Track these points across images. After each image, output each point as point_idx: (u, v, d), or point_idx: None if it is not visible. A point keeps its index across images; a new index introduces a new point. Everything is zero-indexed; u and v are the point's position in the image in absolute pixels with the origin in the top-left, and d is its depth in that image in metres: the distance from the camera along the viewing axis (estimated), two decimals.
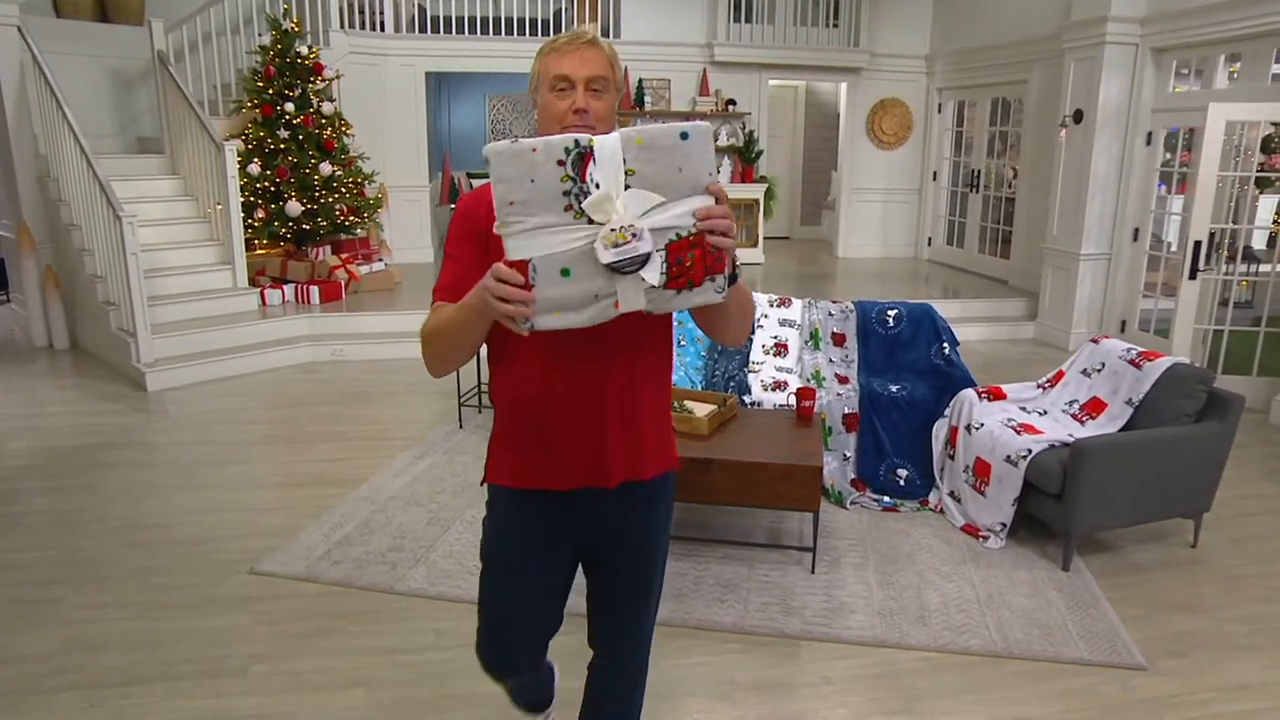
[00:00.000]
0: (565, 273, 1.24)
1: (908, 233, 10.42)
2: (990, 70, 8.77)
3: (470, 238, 1.51)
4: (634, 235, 1.22)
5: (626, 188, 1.24)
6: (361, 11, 8.58)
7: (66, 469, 4.24)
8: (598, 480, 1.57)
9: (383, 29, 8.70)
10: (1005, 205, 8.86)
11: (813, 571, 3.27)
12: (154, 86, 7.24)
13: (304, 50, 7.24)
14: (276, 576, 3.16)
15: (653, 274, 1.25)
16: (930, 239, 10.20)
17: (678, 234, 1.25)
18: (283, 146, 7.13)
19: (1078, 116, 6.83)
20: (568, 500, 1.60)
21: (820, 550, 3.38)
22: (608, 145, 1.24)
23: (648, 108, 9.33)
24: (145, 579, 3.16)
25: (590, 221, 1.23)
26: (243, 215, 6.74)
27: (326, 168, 7.17)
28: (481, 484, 1.70)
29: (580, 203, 1.23)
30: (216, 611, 2.94)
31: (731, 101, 9.59)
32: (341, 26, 8.29)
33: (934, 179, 10.07)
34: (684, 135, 1.23)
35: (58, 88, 6.10)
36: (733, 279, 1.35)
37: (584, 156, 1.23)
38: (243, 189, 6.81)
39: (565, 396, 1.52)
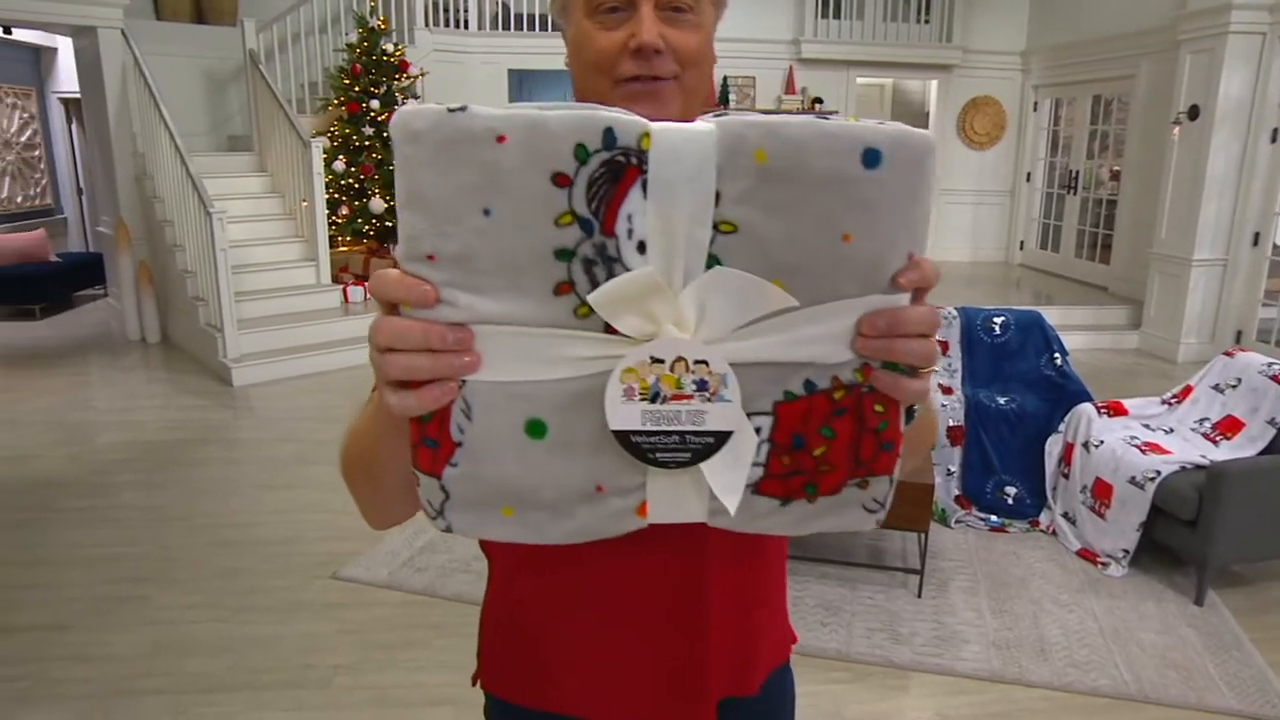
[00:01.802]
0: (535, 429, 0.58)
1: (999, 236, 10.02)
2: (1092, 66, 8.34)
3: None
4: (699, 385, 0.57)
5: (710, 264, 0.56)
6: (446, 10, 8.59)
7: (155, 464, 4.27)
8: (682, 705, 0.90)
9: (466, 27, 8.70)
10: (1106, 208, 8.42)
11: (919, 595, 3.06)
12: (245, 85, 7.34)
13: (389, 48, 7.26)
14: (360, 583, 3.09)
15: (733, 471, 0.60)
16: (1023, 242, 9.78)
17: (807, 384, 0.59)
18: (367, 144, 7.16)
19: (1193, 113, 6.41)
20: None
21: (926, 572, 3.17)
22: (682, 151, 0.54)
23: (732, 106, 9.15)
24: (231, 580, 3.12)
25: (610, 328, 0.56)
26: (327, 212, 6.78)
27: None
28: (473, 682, 1.02)
29: (589, 288, 0.56)
30: (300, 618, 2.88)
31: (818, 100, 9.34)
32: (426, 25, 8.31)
33: (1027, 180, 9.65)
34: (872, 156, 0.54)
35: (155, 88, 6.22)
36: (909, 415, 0.72)
37: (620, 170, 0.54)
38: (327, 186, 6.85)
39: (631, 574, 0.85)
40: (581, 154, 0.53)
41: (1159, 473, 3.17)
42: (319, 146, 6.49)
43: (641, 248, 0.55)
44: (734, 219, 0.55)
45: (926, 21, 9.41)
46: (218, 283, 5.58)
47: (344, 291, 6.78)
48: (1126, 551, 3.26)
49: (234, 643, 2.73)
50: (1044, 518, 3.66)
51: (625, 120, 0.53)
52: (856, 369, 0.59)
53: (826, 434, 0.60)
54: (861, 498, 0.64)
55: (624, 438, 0.57)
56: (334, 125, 7.28)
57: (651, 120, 0.55)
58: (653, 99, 0.81)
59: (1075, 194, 8.84)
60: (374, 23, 7.24)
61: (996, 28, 9.50)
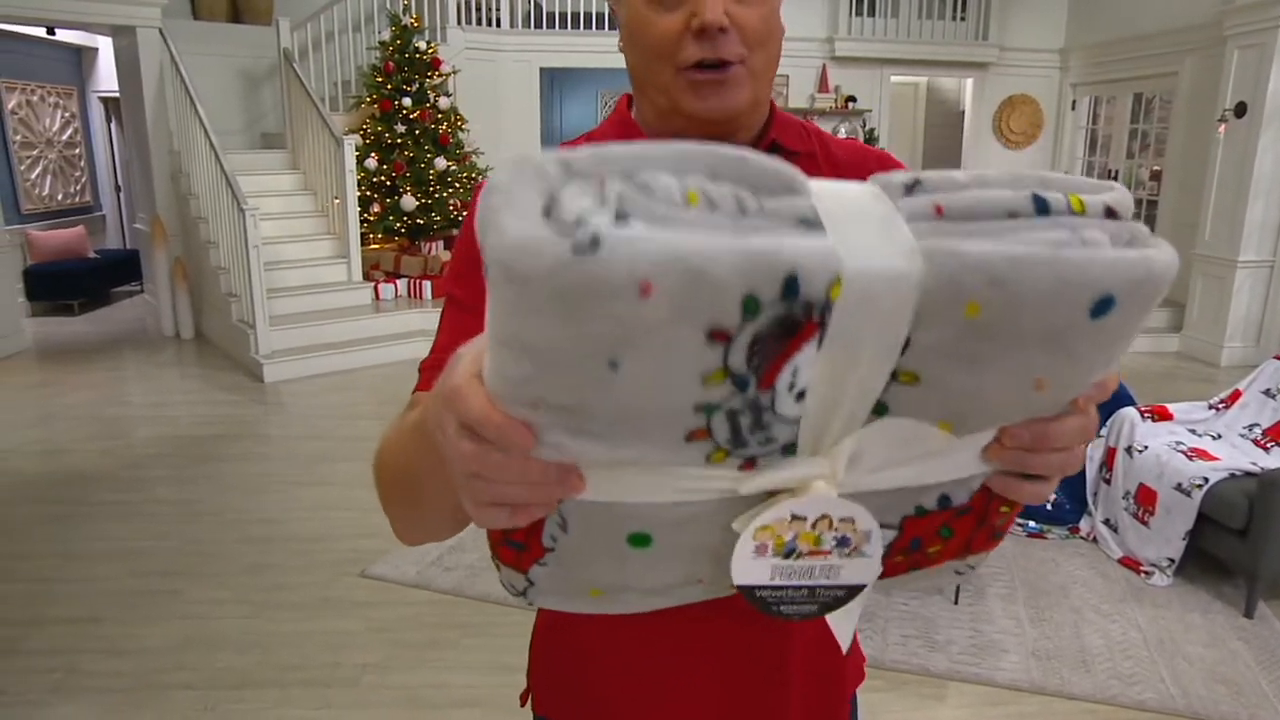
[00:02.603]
0: (638, 541, 0.51)
1: None
2: (1133, 63, 8.16)
3: (481, 266, 0.70)
4: (840, 542, 0.51)
5: (877, 410, 0.47)
6: (479, 8, 8.60)
7: (187, 459, 4.29)
8: None
9: (498, 25, 8.70)
10: (1146, 208, 8.24)
11: (955, 602, 2.99)
12: (279, 84, 7.40)
13: (422, 46, 7.28)
14: (388, 581, 3.07)
15: (851, 611, 0.63)
16: None
17: (942, 500, 0.54)
18: (399, 141, 7.18)
19: (1240, 110, 6.25)
20: None
21: (963, 578, 3.09)
22: (878, 303, 0.41)
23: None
24: (260, 576, 3.12)
25: (746, 464, 0.47)
26: (359, 209, 6.81)
27: (441, 162, 7.19)
28: (522, 702, 0.99)
29: (729, 435, 0.45)
30: (328, 615, 2.87)
31: (851, 98, 9.24)
32: (459, 23, 8.32)
33: None
34: (1103, 304, 0.42)
35: (192, 87, 6.28)
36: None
37: (796, 328, 0.40)
38: (359, 183, 6.88)
39: (705, 605, 0.71)
40: (751, 307, 0.38)
41: (1207, 479, 3.07)
42: (351, 144, 6.52)
43: (800, 396, 0.44)
44: (918, 371, 0.45)
45: (962, 19, 9.28)
46: (250, 279, 5.62)
47: (375, 289, 6.81)
48: (1172, 560, 3.16)
49: (262, 639, 2.72)
50: (1084, 524, 3.56)
51: (813, 260, 0.38)
52: (987, 480, 0.54)
53: (945, 534, 0.57)
54: (956, 566, 0.62)
55: (749, 591, 0.51)
56: (366, 123, 7.31)
57: (730, 111, 0.68)
58: (719, 89, 0.75)
59: None
60: (407, 21, 7.26)
61: (1033, 25, 9.33)
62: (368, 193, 7.15)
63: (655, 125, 0.82)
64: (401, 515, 0.70)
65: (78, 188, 9.24)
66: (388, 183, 7.18)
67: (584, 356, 0.39)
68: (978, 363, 0.44)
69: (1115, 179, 8.58)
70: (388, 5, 7.75)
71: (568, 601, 0.58)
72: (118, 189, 9.86)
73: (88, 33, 8.29)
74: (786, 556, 0.50)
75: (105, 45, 8.17)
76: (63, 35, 8.71)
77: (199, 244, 6.66)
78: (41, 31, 8.30)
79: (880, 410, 0.47)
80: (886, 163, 0.87)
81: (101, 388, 5.53)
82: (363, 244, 6.98)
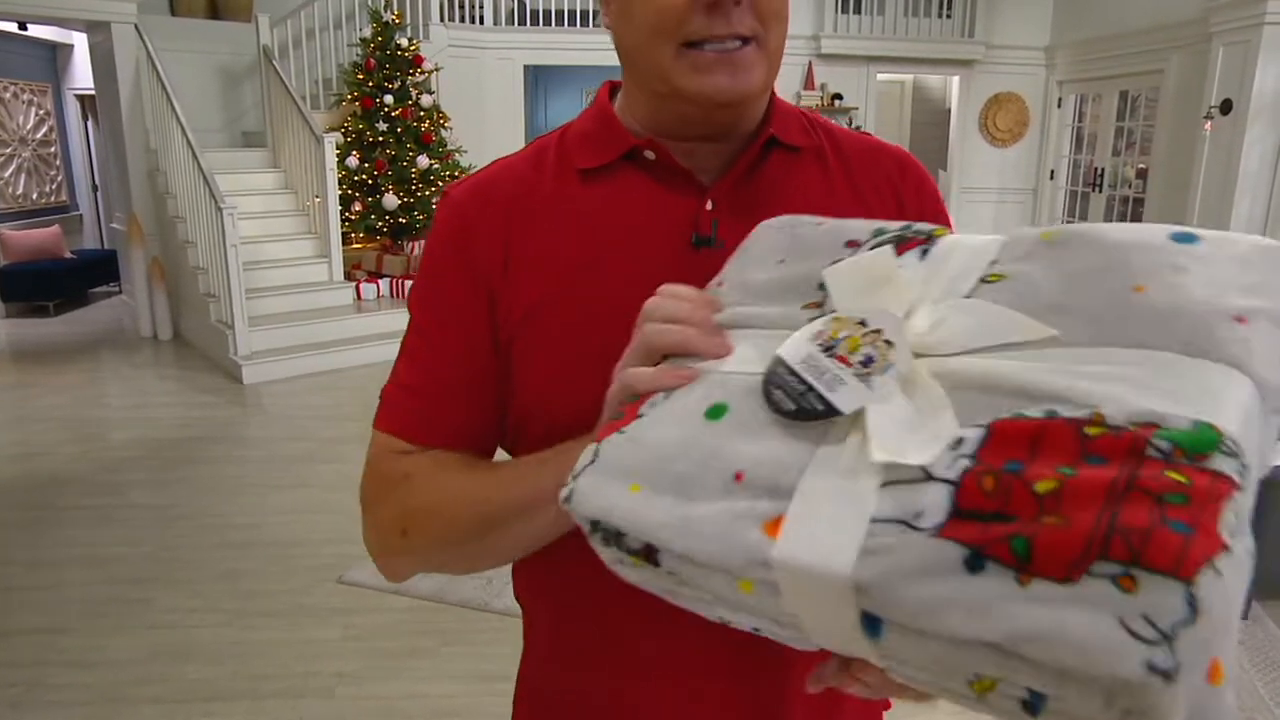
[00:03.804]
0: (715, 412, 0.53)
1: None
2: (1119, 61, 8.15)
3: (462, 279, 0.73)
4: (865, 361, 0.49)
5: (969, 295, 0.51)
6: (461, 5, 8.52)
7: (163, 462, 4.20)
8: None
9: (481, 22, 8.62)
10: (1131, 206, 8.24)
11: None
12: (258, 81, 7.29)
13: (404, 43, 7.19)
14: (365, 588, 2.99)
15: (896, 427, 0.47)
16: None
17: (1049, 412, 0.42)
18: (381, 139, 7.09)
19: (1225, 107, 6.25)
20: None
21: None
22: (970, 239, 0.55)
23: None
24: (235, 583, 3.04)
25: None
26: (340, 208, 6.71)
27: (424, 161, 7.11)
28: None
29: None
30: (304, 623, 2.79)
31: (838, 96, 9.21)
32: (441, 19, 8.23)
33: (1051, 178, 9.47)
34: (1184, 235, 0.48)
35: (168, 83, 6.17)
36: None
37: (907, 240, 0.56)
38: (341, 182, 6.79)
39: (696, 651, 0.73)
40: (878, 232, 0.58)
41: None
42: (332, 142, 6.43)
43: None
44: (1003, 271, 0.51)
45: (948, 16, 9.26)
46: (229, 279, 5.52)
47: (357, 289, 6.71)
48: None
49: (235, 648, 2.64)
50: None
51: (923, 226, 0.59)
52: (1135, 421, 0.40)
53: (1064, 471, 0.40)
54: (1119, 604, 0.36)
55: (774, 364, 0.52)
56: (347, 121, 7.21)
57: (741, 93, 0.67)
58: (729, 68, 0.66)
59: (1100, 192, 8.66)
60: (388, 17, 7.16)
61: (1020, 22, 9.33)
62: (349, 191, 7.05)
63: (645, 115, 0.74)
64: (470, 552, 0.72)
65: (53, 186, 9.11)
66: (369, 181, 7.09)
67: (771, 252, 0.63)
68: (1062, 263, 0.49)
69: (1101, 177, 8.60)
70: (369, 2, 7.65)
71: (606, 488, 0.53)
72: (94, 188, 9.72)
73: (62, 28, 8.15)
74: (826, 350, 0.51)
75: (80, 41, 8.04)
76: (36, 31, 8.57)
77: (177, 244, 6.55)
78: (14, 27, 8.16)
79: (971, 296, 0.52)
80: (904, 161, 0.81)
81: (77, 390, 5.42)
82: (344, 243, 6.88)
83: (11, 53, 8.44)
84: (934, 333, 0.49)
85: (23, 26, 8.29)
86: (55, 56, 9.22)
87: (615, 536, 0.52)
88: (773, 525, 0.46)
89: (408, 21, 7.71)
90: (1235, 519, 0.37)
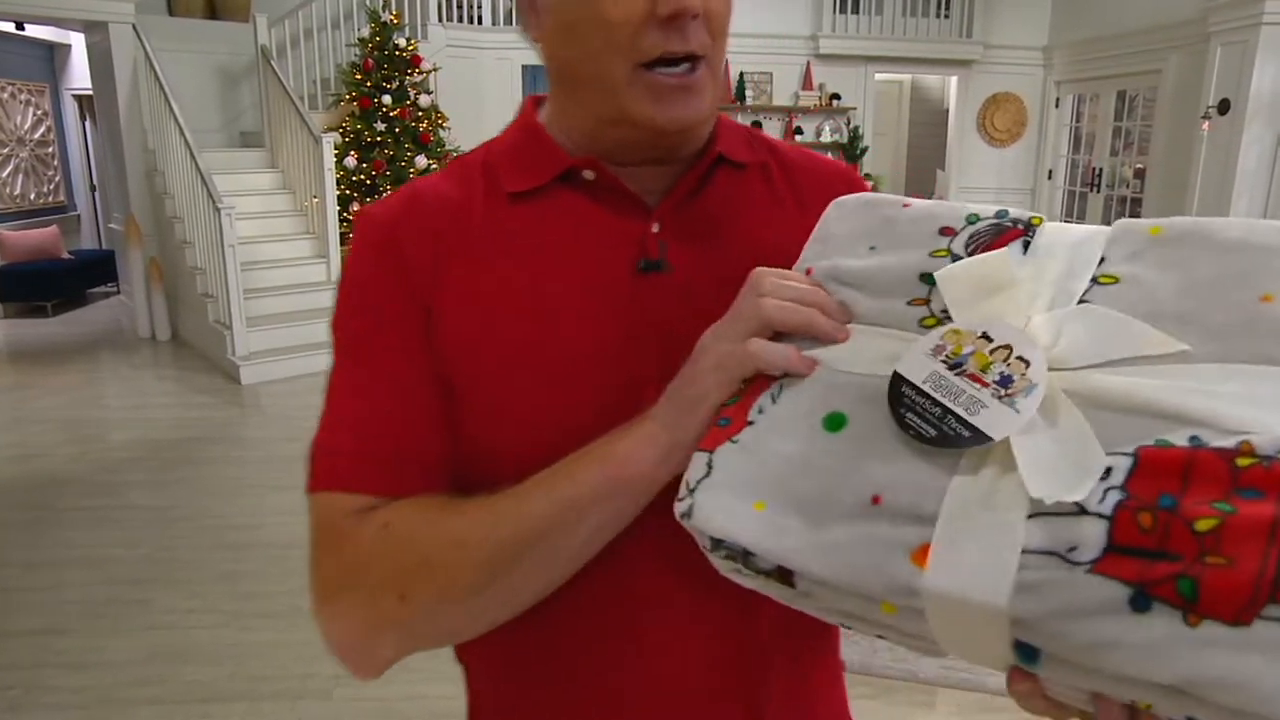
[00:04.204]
0: (833, 422, 0.52)
1: None
2: (1117, 61, 8.16)
3: (398, 296, 0.65)
4: (1002, 380, 0.47)
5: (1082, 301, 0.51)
6: (459, 5, 8.52)
7: (161, 463, 4.19)
8: None
9: (480, 22, 8.62)
10: (1129, 206, 8.24)
11: None
12: (256, 81, 7.29)
13: (402, 43, 7.18)
14: None
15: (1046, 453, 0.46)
16: None
17: (1193, 439, 0.42)
18: (379, 139, 7.08)
19: (1223, 107, 6.25)
20: None
21: None
22: (1071, 229, 0.55)
23: (749, 102, 9.03)
24: (233, 584, 3.04)
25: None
26: (338, 208, 6.71)
27: (422, 161, 7.10)
28: None
29: (942, 304, 0.54)
30: (303, 624, 2.79)
31: (836, 96, 9.21)
32: (440, 19, 8.23)
33: (1049, 178, 9.48)
34: None
35: (166, 83, 6.17)
36: None
37: (1003, 230, 0.55)
38: (339, 182, 6.78)
39: (655, 679, 0.66)
40: (973, 218, 0.57)
41: None
42: (330, 142, 6.43)
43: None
44: (1117, 273, 0.50)
45: (946, 16, 9.27)
46: (227, 280, 5.52)
47: None
48: None
49: (233, 649, 2.64)
50: None
51: (1018, 212, 0.57)
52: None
53: (1222, 507, 0.39)
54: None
55: (897, 383, 0.50)
56: (345, 121, 7.20)
57: (696, 120, 0.63)
58: (685, 94, 0.62)
59: (1098, 192, 8.67)
60: (386, 17, 7.16)
61: (1018, 23, 9.34)
62: (347, 191, 7.04)
63: (583, 135, 0.68)
64: (478, 606, 0.61)
65: (51, 187, 9.10)
66: (367, 181, 7.08)
67: (861, 236, 0.61)
68: (1177, 265, 0.48)
69: (1099, 177, 8.60)
70: (367, 2, 7.64)
71: (729, 506, 0.51)
72: (92, 188, 9.71)
73: (59, 28, 8.14)
74: (952, 368, 0.49)
75: (78, 41, 8.03)
76: (34, 31, 8.56)
77: (175, 244, 6.55)
78: (11, 27, 8.15)
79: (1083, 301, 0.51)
80: (852, 182, 0.77)
81: (75, 390, 5.42)
82: (342, 243, 6.87)
83: (9, 52, 8.43)
84: (1058, 345, 0.48)
85: (20, 26, 8.28)
86: (53, 56, 9.21)
87: (742, 555, 0.51)
88: (920, 554, 0.45)
89: (406, 21, 7.71)
90: None
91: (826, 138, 9.22)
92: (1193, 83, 6.87)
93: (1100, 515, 0.41)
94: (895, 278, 0.56)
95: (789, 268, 0.63)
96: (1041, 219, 0.56)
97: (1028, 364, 0.47)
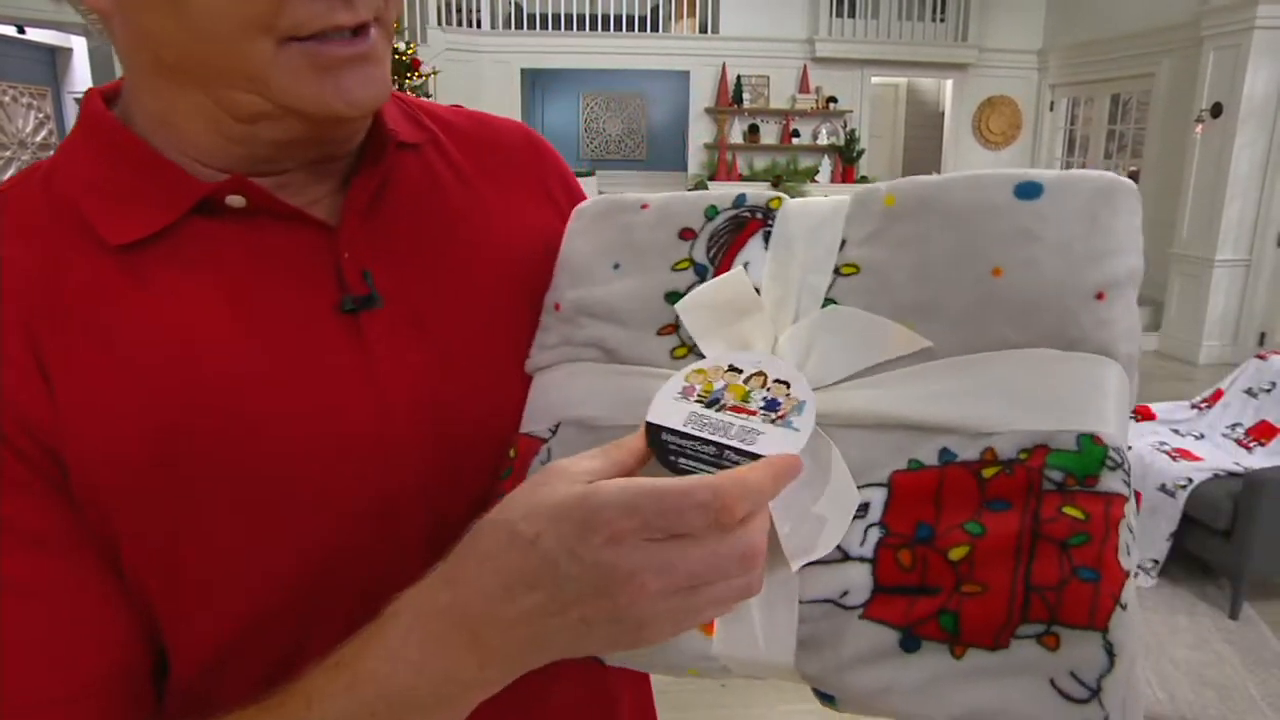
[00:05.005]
0: None
1: None
2: (1111, 64, 8.22)
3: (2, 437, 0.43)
4: (768, 405, 0.45)
5: (826, 303, 0.49)
6: (459, 9, 8.55)
7: None
8: None
9: (479, 26, 8.66)
10: None
11: None
12: None
13: (401, 46, 7.21)
14: None
15: (814, 537, 0.45)
16: None
17: (943, 453, 0.44)
18: None
19: (1216, 110, 6.31)
20: None
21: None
22: (810, 207, 0.54)
23: (746, 105, 9.07)
24: None
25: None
26: None
27: None
28: None
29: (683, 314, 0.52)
30: None
31: (832, 99, 9.27)
32: (439, 23, 8.27)
33: None
34: (1027, 188, 0.46)
35: None
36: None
37: (743, 223, 0.54)
38: None
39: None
40: (711, 212, 0.55)
41: (1191, 480, 3.09)
42: None
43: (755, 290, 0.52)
44: (856, 260, 0.50)
45: (942, 20, 9.33)
46: None
47: None
48: (1156, 562, 3.18)
49: None
50: None
51: (756, 194, 0.55)
52: (1025, 448, 0.41)
53: (972, 529, 0.40)
54: (1048, 664, 0.38)
55: (655, 432, 0.44)
56: None
57: (378, 100, 0.50)
58: (363, 65, 0.47)
59: None
60: None
61: (1012, 26, 9.40)
62: None
63: (211, 145, 0.49)
64: None
65: None
66: None
67: (603, 251, 0.57)
68: (910, 243, 0.48)
69: None
70: None
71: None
72: None
73: (61, 32, 8.15)
74: (709, 406, 0.46)
75: (80, 45, 8.04)
76: (35, 34, 8.57)
77: None
78: (12, 30, 8.17)
79: (827, 304, 0.49)
80: (531, 138, 0.67)
81: None
82: None
83: (10, 56, 8.44)
84: (809, 362, 0.47)
85: (21, 30, 8.29)
86: (54, 60, 9.22)
87: None
88: (707, 624, 0.44)
89: (405, 25, 7.75)
90: (1130, 532, 0.40)
91: (823, 140, 9.28)
92: (1186, 86, 6.93)
93: (863, 559, 0.42)
94: (641, 304, 0.53)
95: (502, 260, 0.57)
96: (781, 200, 0.54)
97: (788, 385, 0.46)
